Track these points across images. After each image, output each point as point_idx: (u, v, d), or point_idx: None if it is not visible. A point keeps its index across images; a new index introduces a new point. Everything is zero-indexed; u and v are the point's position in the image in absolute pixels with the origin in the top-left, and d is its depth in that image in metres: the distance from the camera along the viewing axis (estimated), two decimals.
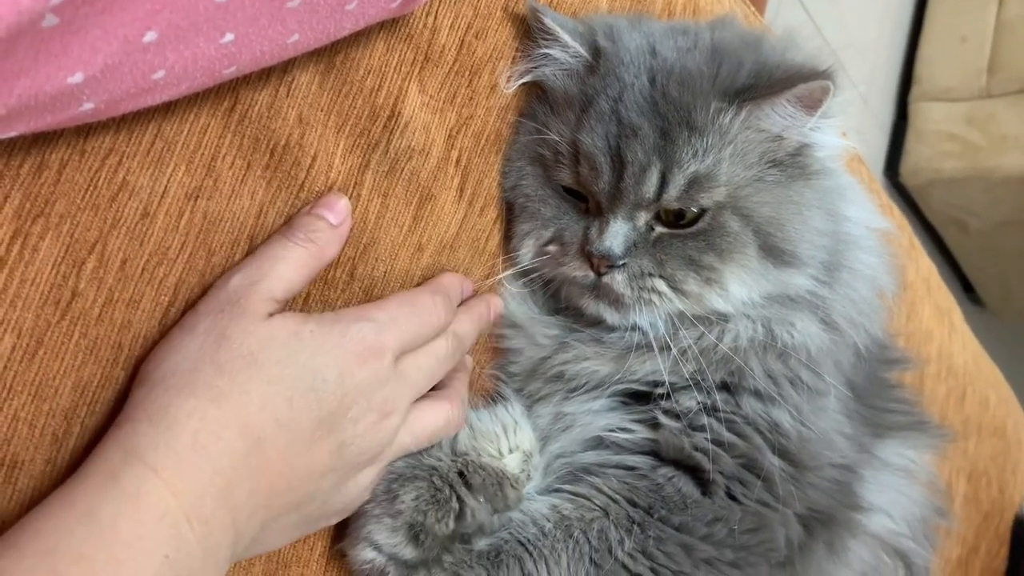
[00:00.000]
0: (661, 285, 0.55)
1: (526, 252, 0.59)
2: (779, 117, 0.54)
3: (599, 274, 0.55)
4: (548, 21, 0.56)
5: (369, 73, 0.50)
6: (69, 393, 0.41)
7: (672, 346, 0.56)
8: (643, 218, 0.55)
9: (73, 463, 0.41)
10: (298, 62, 0.47)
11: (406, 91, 0.52)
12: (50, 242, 0.39)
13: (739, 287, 0.56)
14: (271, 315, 0.45)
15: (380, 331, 0.47)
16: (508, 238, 0.62)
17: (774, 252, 0.55)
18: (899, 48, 2.66)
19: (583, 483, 0.56)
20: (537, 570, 0.51)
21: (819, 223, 0.56)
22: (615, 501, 0.54)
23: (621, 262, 0.54)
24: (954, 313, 1.16)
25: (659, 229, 0.55)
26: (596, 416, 0.58)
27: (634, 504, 0.54)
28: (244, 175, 0.46)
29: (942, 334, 1.09)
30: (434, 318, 0.51)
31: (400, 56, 0.51)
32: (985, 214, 2.41)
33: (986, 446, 1.18)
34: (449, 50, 0.54)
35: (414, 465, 0.52)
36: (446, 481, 0.52)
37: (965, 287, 2.83)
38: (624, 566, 0.52)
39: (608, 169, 0.54)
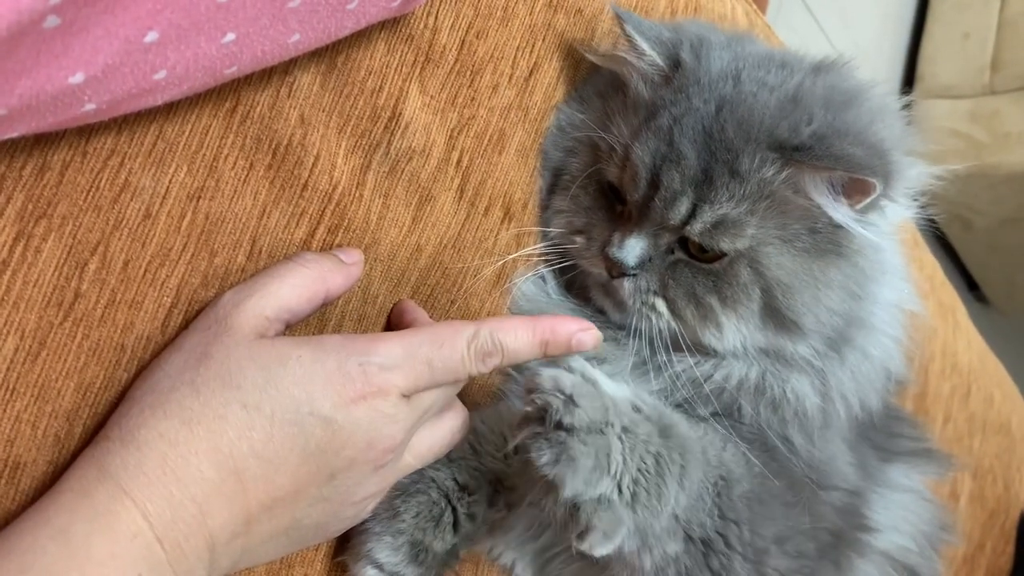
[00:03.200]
0: (661, 305, 0.56)
1: (555, 229, 0.60)
2: (819, 190, 0.51)
3: (611, 276, 0.56)
4: (628, 29, 0.56)
5: (370, 74, 0.50)
6: (72, 395, 0.41)
7: (669, 368, 0.56)
8: (666, 239, 0.55)
9: None
10: (299, 63, 0.47)
11: (407, 92, 0.52)
12: (53, 244, 0.39)
13: (734, 334, 0.55)
14: (262, 336, 0.42)
15: (386, 370, 0.42)
16: (544, 207, 0.62)
17: (776, 316, 0.54)
18: (901, 46, 2.65)
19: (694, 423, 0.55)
20: (678, 469, 0.47)
21: (834, 303, 0.55)
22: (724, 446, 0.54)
23: (632, 273, 0.55)
24: (958, 310, 1.16)
25: (679, 254, 0.55)
26: None
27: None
28: (246, 176, 0.46)
29: (946, 331, 1.09)
30: (460, 371, 0.45)
31: (401, 57, 0.51)
32: (989, 211, 2.41)
33: (991, 443, 1.17)
34: (450, 50, 0.54)
35: (416, 479, 0.51)
36: (443, 494, 0.51)
37: (970, 285, 2.82)
38: (733, 508, 0.50)
39: (645, 186, 0.54)
